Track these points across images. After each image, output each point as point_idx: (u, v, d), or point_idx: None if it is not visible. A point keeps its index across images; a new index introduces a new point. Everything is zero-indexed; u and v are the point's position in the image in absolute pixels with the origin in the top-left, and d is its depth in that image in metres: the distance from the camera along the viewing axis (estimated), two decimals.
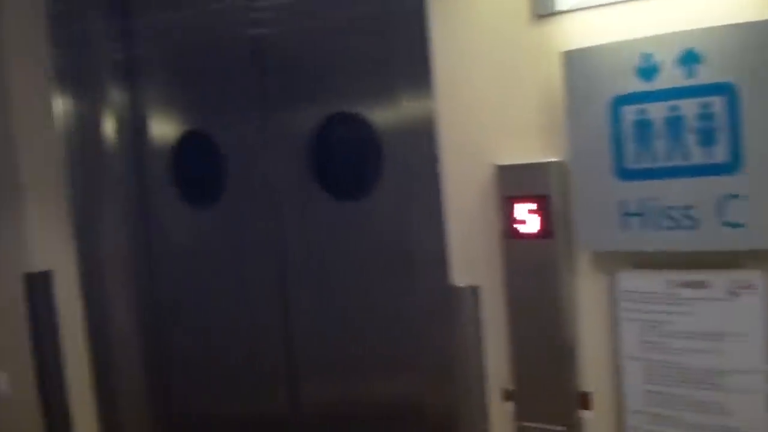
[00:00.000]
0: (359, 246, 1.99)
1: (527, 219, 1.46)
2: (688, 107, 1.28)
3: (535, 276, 1.47)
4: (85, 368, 2.36)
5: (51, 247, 2.32)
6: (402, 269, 1.87)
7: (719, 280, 1.32)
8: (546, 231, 1.44)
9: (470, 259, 1.58)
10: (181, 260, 2.33)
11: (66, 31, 2.29)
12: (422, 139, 1.71)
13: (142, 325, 2.37)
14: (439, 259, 1.69)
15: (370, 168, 1.94)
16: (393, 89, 1.82)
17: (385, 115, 1.89)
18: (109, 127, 2.31)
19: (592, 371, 1.48)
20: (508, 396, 1.56)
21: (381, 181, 1.92)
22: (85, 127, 2.32)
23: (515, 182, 1.47)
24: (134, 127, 2.34)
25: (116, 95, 2.32)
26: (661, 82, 1.30)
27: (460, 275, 1.60)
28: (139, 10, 2.31)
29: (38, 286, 2.29)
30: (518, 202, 1.46)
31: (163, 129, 2.31)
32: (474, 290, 1.57)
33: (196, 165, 2.32)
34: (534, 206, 1.45)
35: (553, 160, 1.44)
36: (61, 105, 2.30)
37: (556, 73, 1.41)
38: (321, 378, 2.12)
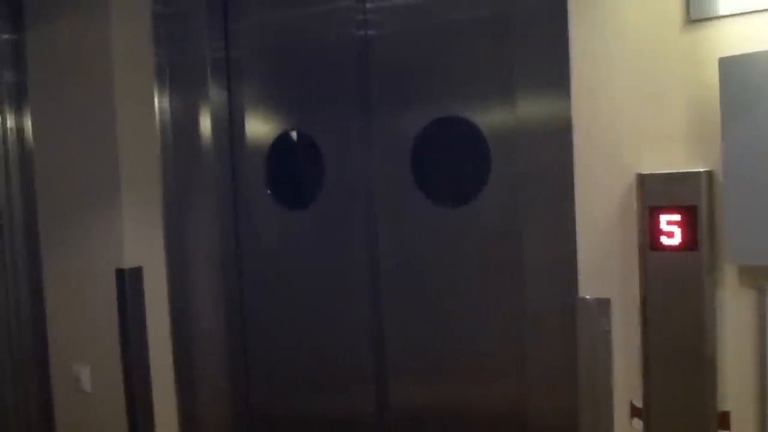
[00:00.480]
0: (459, 253, 1.93)
1: (671, 230, 1.39)
2: None
3: (676, 289, 1.40)
4: (169, 365, 2.33)
5: (142, 243, 2.29)
6: (507, 280, 1.81)
7: None
8: (691, 243, 1.38)
9: (601, 270, 1.52)
10: (272, 261, 2.29)
11: (169, 31, 2.29)
12: (539, 146, 1.66)
13: (228, 324, 2.32)
14: (554, 269, 1.64)
15: (474, 175, 1.88)
16: (509, 94, 1.76)
17: (495, 121, 1.83)
18: (207, 126, 2.27)
19: (733, 390, 1.40)
20: (636, 413, 1.49)
21: (486, 189, 1.86)
22: (184, 126, 2.30)
23: (660, 192, 1.40)
24: (233, 127, 2.31)
25: (216, 95, 2.28)
26: None
27: (588, 287, 1.53)
28: (242, 10, 2.28)
29: (129, 282, 2.26)
30: (663, 212, 1.39)
31: (262, 129, 2.28)
32: (603, 302, 1.50)
33: (293, 165, 2.29)
34: (679, 217, 1.38)
35: (701, 169, 1.37)
36: (161, 104, 2.30)
37: (708, 80, 1.35)
38: (414, 385, 2.06)
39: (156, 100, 2.30)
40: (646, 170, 1.43)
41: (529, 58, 1.68)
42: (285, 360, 2.29)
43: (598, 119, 1.49)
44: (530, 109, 1.69)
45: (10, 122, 2.49)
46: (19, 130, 2.49)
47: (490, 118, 1.85)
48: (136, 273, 2.28)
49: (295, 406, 2.28)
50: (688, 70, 1.38)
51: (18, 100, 2.49)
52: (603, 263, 1.51)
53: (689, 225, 1.37)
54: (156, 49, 2.30)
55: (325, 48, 2.13)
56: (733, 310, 1.38)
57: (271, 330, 2.30)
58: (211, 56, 2.28)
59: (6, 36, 2.49)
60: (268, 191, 2.26)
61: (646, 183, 1.42)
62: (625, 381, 1.51)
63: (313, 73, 2.17)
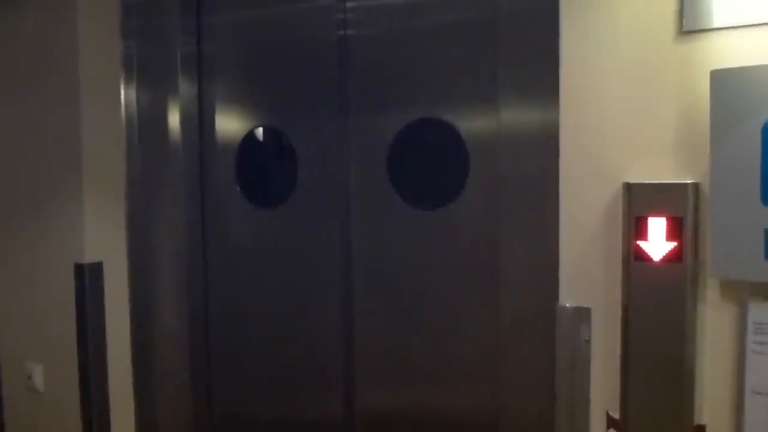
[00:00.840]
0: (434, 256, 1.89)
1: (656, 241, 1.37)
2: None
3: (657, 301, 1.38)
4: (127, 365, 2.23)
5: (103, 238, 2.19)
6: (484, 284, 1.77)
7: None
8: (675, 254, 1.36)
9: (583, 278, 1.49)
10: (241, 260, 2.21)
11: (138, 23, 2.20)
12: (522, 150, 1.63)
13: (191, 323, 2.23)
14: (534, 276, 1.61)
15: (452, 178, 1.84)
16: (492, 97, 1.72)
17: (476, 124, 1.80)
18: (175, 121, 2.18)
19: (710, 404, 1.38)
20: (612, 424, 1.46)
21: (464, 193, 1.82)
22: (151, 120, 2.21)
23: (646, 202, 1.38)
24: (203, 123, 2.23)
25: (186, 90, 2.19)
26: None
27: (569, 295, 1.50)
28: (217, 5, 2.20)
29: (88, 277, 2.16)
30: (648, 222, 1.37)
31: (234, 126, 2.20)
32: (584, 311, 1.48)
33: (265, 163, 2.23)
34: (665, 228, 1.36)
35: (688, 181, 1.35)
36: (127, 97, 2.21)
37: (699, 91, 1.33)
38: (383, 389, 2.01)
39: (122, 93, 2.20)
40: (633, 179, 1.40)
41: (515, 61, 1.64)
42: (250, 361, 2.21)
43: (587, 126, 1.46)
44: (514, 113, 1.66)
45: None
46: None
47: (470, 121, 1.81)
48: (96, 268, 2.18)
49: (260, 409, 2.21)
50: (680, 80, 1.36)
51: None
52: (585, 272, 1.48)
53: (674, 236, 1.35)
54: (124, 41, 2.20)
55: (303, 47, 2.07)
56: (713, 323, 1.37)
57: (237, 330, 2.23)
58: (182, 51, 2.19)
59: None
60: (238, 188, 2.18)
61: (632, 192, 1.40)
62: (603, 391, 1.48)
63: (290, 71, 2.10)
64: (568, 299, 1.50)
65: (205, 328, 2.25)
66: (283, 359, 2.16)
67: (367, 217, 1.99)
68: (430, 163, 1.93)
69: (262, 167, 2.23)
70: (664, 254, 1.36)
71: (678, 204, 1.35)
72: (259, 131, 2.18)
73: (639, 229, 1.38)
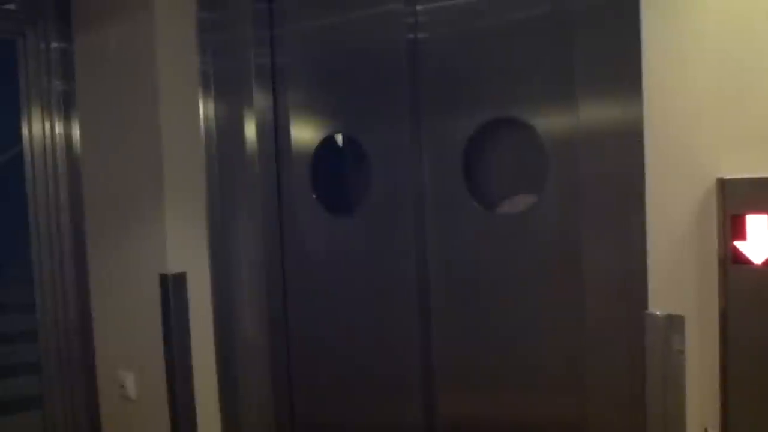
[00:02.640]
0: (512, 262, 1.74)
1: (756, 241, 1.18)
2: None
3: (759, 307, 1.20)
4: (212, 373, 2.18)
5: (186, 249, 2.15)
6: (567, 290, 1.61)
7: None
8: None
9: (675, 284, 1.31)
10: (318, 268, 2.12)
11: (214, 37, 2.15)
12: (605, 149, 1.46)
13: (272, 331, 2.16)
14: (619, 282, 1.44)
15: (530, 179, 1.70)
16: (570, 94, 1.56)
17: (555, 123, 1.64)
18: (251, 132, 2.12)
19: None
20: None
21: (543, 195, 1.67)
22: (229, 132, 2.15)
23: (743, 198, 1.20)
24: (278, 133, 2.15)
25: (261, 101, 2.13)
26: None
27: (659, 302, 1.33)
28: (288, 16, 2.13)
29: (172, 288, 2.12)
30: (747, 221, 1.19)
31: (308, 134, 2.11)
32: (676, 320, 1.30)
33: (339, 170, 2.15)
34: (766, 226, 1.17)
35: None
36: (206, 110, 2.16)
37: None
38: (463, 398, 1.88)
39: (201, 106, 2.15)
40: (728, 174, 1.22)
41: (592, 53, 1.47)
42: (330, 369, 2.12)
43: (674, 119, 1.28)
44: (593, 108, 1.49)
45: (59, 130, 2.39)
46: (68, 138, 2.39)
47: (547, 120, 1.64)
48: (180, 279, 2.14)
49: (340, 416, 2.11)
50: None
51: (66, 107, 2.38)
52: (677, 277, 1.30)
53: None
54: (201, 56, 2.15)
55: (374, 52, 1.96)
56: None
57: (316, 338, 2.14)
58: (256, 62, 2.12)
59: (55, 44, 2.38)
60: (314, 196, 2.09)
61: (727, 188, 1.21)
62: (700, 407, 1.30)
63: (361, 77, 1.99)
64: (658, 306, 1.33)
65: (286, 335, 2.17)
66: (361, 365, 2.05)
67: (442, 221, 1.86)
68: (507, 165, 1.79)
69: (336, 174, 2.15)
70: (767, 256, 1.18)
71: None
72: (333, 138, 2.09)
73: (736, 229, 1.20)
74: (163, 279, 2.12)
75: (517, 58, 1.69)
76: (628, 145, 1.38)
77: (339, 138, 2.09)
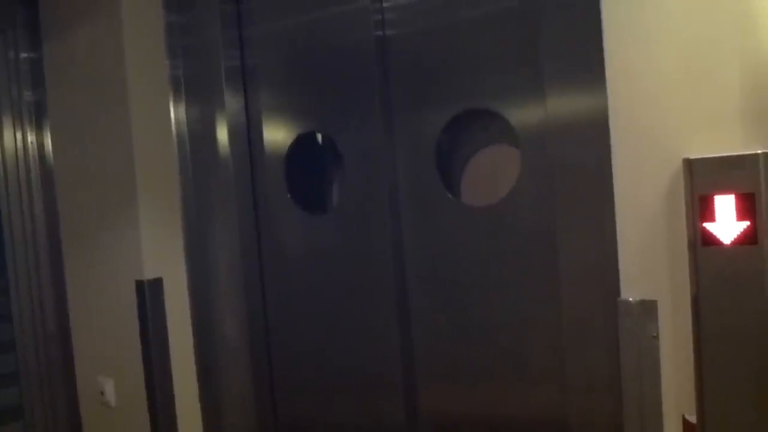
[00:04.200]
0: (489, 253, 1.67)
1: (725, 221, 1.12)
2: None
3: (732, 289, 1.14)
4: (192, 377, 2.10)
5: (162, 254, 2.07)
6: (542, 280, 1.55)
7: None
8: (748, 236, 1.11)
9: (646, 269, 1.25)
10: (296, 267, 2.04)
11: (183, 41, 2.07)
12: (571, 135, 1.40)
13: (252, 333, 2.08)
14: (592, 269, 1.38)
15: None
16: (537, 83, 1.50)
17: (522, 112, 1.58)
18: (224, 134, 2.04)
19: None
20: (689, 428, 1.22)
21: (515, 185, 1.61)
22: (201, 135, 2.08)
23: (711, 178, 1.14)
24: (251, 134, 2.08)
25: (232, 103, 2.05)
26: None
27: (631, 288, 1.27)
28: (256, 17, 2.05)
29: (149, 294, 2.04)
30: (715, 202, 1.13)
31: (281, 135, 2.04)
32: (649, 305, 1.24)
33: (312, 169, 2.08)
34: (734, 206, 1.11)
35: (759, 151, 1.10)
36: (177, 114, 2.08)
37: None
38: (443, 392, 1.82)
39: (172, 110, 2.08)
40: (695, 154, 1.16)
41: (556, 41, 1.41)
42: (311, 370, 2.04)
43: (639, 102, 1.22)
44: (561, 98, 1.43)
45: (31, 138, 2.31)
46: (40, 146, 2.31)
47: (517, 111, 1.59)
48: (156, 284, 2.06)
49: (323, 416, 2.03)
50: (745, 39, 1.11)
51: (38, 116, 2.31)
52: (648, 261, 1.24)
53: (746, 215, 1.11)
54: (170, 59, 2.08)
55: (343, 50, 1.89)
56: None
57: (297, 339, 2.06)
58: (225, 64, 2.05)
59: (24, 54, 2.30)
60: (288, 196, 2.02)
61: (694, 168, 1.15)
62: (677, 393, 1.24)
63: (331, 76, 1.92)
64: (630, 292, 1.27)
65: (266, 338, 2.10)
66: (342, 365, 1.98)
67: (417, 216, 1.80)
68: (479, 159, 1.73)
69: (310, 173, 2.08)
70: (736, 236, 1.12)
71: (748, 178, 1.10)
72: (306, 138, 2.02)
73: (705, 210, 1.14)
74: (139, 285, 2.05)
75: (484, 50, 1.63)
76: (594, 131, 1.31)
77: (305, 139, 2.02)
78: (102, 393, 2.17)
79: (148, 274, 2.04)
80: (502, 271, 1.65)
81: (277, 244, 2.07)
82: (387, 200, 1.83)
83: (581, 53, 1.34)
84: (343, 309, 1.96)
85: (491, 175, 1.77)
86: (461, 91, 1.69)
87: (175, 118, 2.08)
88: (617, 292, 1.29)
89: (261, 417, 2.09)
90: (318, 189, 2.13)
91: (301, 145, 2.02)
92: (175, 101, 2.08)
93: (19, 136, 2.30)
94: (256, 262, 2.09)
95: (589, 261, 1.38)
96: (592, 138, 1.32)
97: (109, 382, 2.16)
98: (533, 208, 1.57)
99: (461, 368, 1.76)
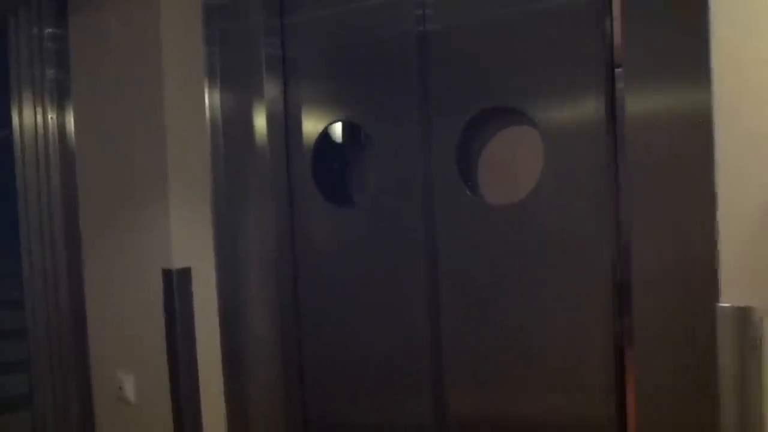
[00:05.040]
0: (516, 253, 1.61)
1: None
2: None
3: None
4: (218, 374, 1.97)
5: (191, 243, 1.94)
6: (581, 280, 1.52)
7: None
8: None
9: (748, 274, 1.17)
10: (327, 261, 1.93)
11: (220, 24, 1.95)
12: (655, 132, 1.33)
13: (282, 329, 1.96)
14: (680, 271, 1.30)
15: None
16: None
17: (547, 113, 1.54)
18: (261, 122, 1.93)
19: None
20: None
21: (539, 184, 1.56)
22: (235, 122, 1.96)
23: None
24: (287, 124, 1.96)
25: (270, 91, 1.93)
26: None
27: (731, 293, 1.18)
28: (297, 6, 1.94)
29: (177, 284, 1.91)
30: None
31: (316, 125, 1.93)
32: (749, 311, 1.16)
33: (347, 161, 1.98)
34: None
35: None
36: (211, 100, 1.95)
37: None
38: (474, 394, 1.74)
39: (206, 97, 1.95)
40: None
41: (645, 33, 1.33)
42: (340, 365, 1.93)
43: (747, 94, 1.14)
44: (646, 90, 1.33)
45: (52, 116, 2.15)
46: (61, 126, 2.15)
47: (540, 111, 1.55)
48: (185, 274, 1.92)
49: (352, 416, 1.92)
50: None
51: (60, 95, 2.15)
52: (751, 266, 1.16)
53: None
54: (207, 44, 1.95)
55: (382, 43, 1.80)
56: None
57: (328, 337, 1.95)
58: (266, 52, 1.93)
59: (49, 30, 2.15)
60: (316, 188, 1.92)
61: None
62: None
63: (370, 69, 1.83)
64: (731, 298, 1.18)
65: (297, 334, 1.98)
66: (371, 362, 1.88)
67: (450, 212, 1.72)
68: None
69: (344, 165, 1.98)
70: None
71: None
72: (340, 129, 1.95)
73: None
74: (167, 275, 1.91)
75: (525, 47, 1.58)
76: (694, 126, 1.23)
77: (340, 130, 1.94)
78: (120, 388, 2.02)
79: (177, 263, 1.90)
80: (535, 271, 1.59)
81: (309, 237, 1.96)
82: (420, 196, 1.75)
83: (679, 42, 1.25)
84: (373, 306, 1.86)
85: (508, 160, 1.74)
86: (488, 90, 1.64)
87: (210, 105, 1.96)
88: (714, 297, 1.20)
89: (290, 417, 1.97)
90: (353, 183, 2.02)
91: (337, 136, 1.95)
92: (210, 87, 1.96)
93: (39, 114, 2.14)
94: (290, 254, 1.97)
95: (677, 264, 1.29)
96: (690, 134, 1.24)
97: (129, 377, 2.01)
98: (564, 208, 1.53)
99: (493, 369, 1.68)
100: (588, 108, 1.48)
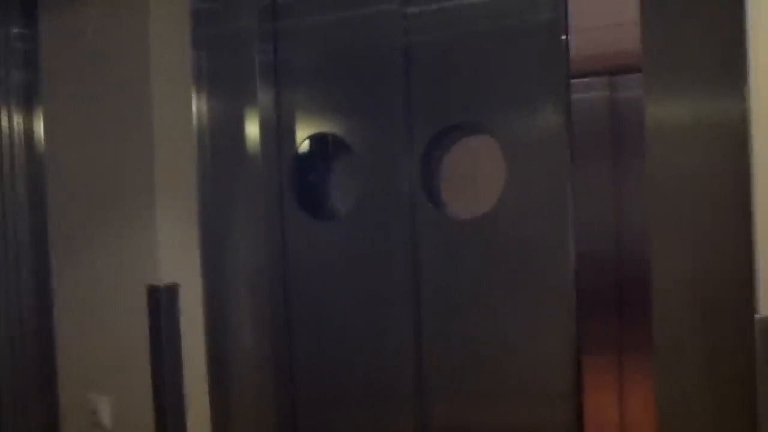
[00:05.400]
0: (491, 267, 1.63)
1: None
2: None
3: None
4: (204, 393, 1.85)
5: (178, 257, 1.83)
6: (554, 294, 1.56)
7: None
8: None
9: None
10: (314, 276, 1.87)
11: (210, 28, 1.87)
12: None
13: (273, 350, 1.87)
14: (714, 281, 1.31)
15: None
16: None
17: (509, 127, 1.60)
18: (249, 132, 1.86)
19: None
20: None
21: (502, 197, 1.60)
22: (225, 131, 1.87)
23: None
24: (277, 133, 1.89)
25: (264, 98, 1.87)
26: None
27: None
28: (290, 11, 1.89)
29: (164, 301, 1.79)
30: None
31: (303, 135, 1.89)
32: None
33: (327, 173, 1.94)
34: None
35: None
36: (199, 107, 1.87)
37: None
38: (456, 407, 1.71)
39: (195, 102, 1.86)
40: None
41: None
42: (331, 385, 1.86)
43: None
44: (667, 99, 1.35)
45: (18, 124, 1.99)
46: (28, 131, 1.99)
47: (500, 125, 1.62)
48: (172, 290, 1.81)
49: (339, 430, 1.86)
50: None
51: (27, 98, 2.00)
52: None
53: None
54: (196, 48, 1.86)
55: (367, 53, 1.78)
56: None
57: (317, 354, 1.87)
58: (259, 58, 1.86)
59: (16, 30, 2.00)
60: (294, 201, 1.87)
61: None
62: None
63: (356, 78, 1.81)
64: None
65: (287, 350, 1.89)
66: (358, 377, 1.82)
67: (422, 227, 1.72)
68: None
69: (326, 177, 1.95)
70: None
71: None
72: (318, 140, 1.90)
73: None
74: (153, 291, 1.79)
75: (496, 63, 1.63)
76: (722, 140, 1.25)
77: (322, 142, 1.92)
78: (94, 412, 1.87)
79: (164, 279, 1.79)
80: (497, 280, 1.62)
81: (298, 251, 1.88)
82: (397, 208, 1.73)
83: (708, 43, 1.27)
84: (357, 322, 1.81)
85: (474, 173, 1.78)
86: (458, 105, 1.67)
87: (198, 112, 1.87)
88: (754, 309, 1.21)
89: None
90: (337, 194, 1.96)
91: (314, 147, 1.91)
92: (199, 93, 1.87)
93: (4, 118, 1.98)
94: (281, 269, 1.88)
95: (704, 273, 1.30)
96: (719, 143, 1.26)
97: (105, 399, 1.86)
98: (520, 218, 1.58)
99: (473, 382, 1.67)
100: (548, 119, 1.54)
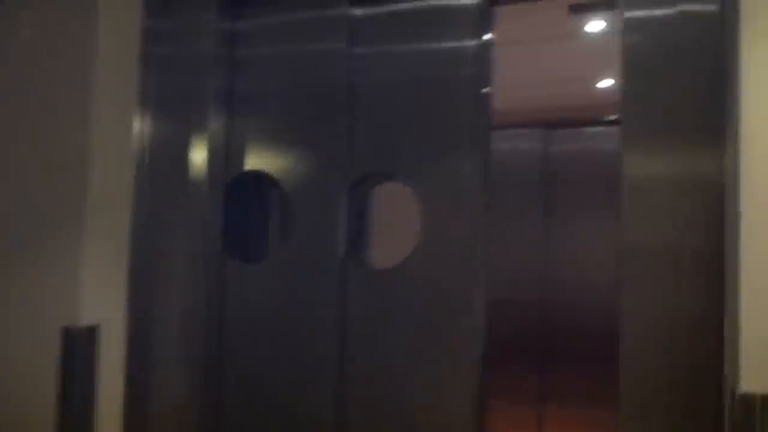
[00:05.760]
0: (406, 313, 1.61)
1: None
2: None
3: None
4: None
5: (101, 296, 1.62)
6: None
7: None
8: None
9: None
10: (241, 318, 1.75)
11: (161, 49, 1.73)
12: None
13: (197, 392, 1.68)
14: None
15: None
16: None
17: (422, 176, 1.60)
18: (200, 159, 1.71)
19: None
20: None
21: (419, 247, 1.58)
22: (164, 158, 1.72)
23: None
24: (221, 162, 1.77)
25: (214, 126, 1.73)
26: None
27: (753, 380, 1.11)
28: (250, 40, 1.81)
29: (79, 345, 1.57)
30: None
31: (236, 169, 1.79)
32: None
33: (256, 215, 1.89)
34: None
35: None
36: (141, 131, 1.71)
37: None
38: None
39: (137, 126, 1.70)
40: None
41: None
42: (257, 426, 1.72)
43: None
44: (644, 156, 1.31)
45: None
46: None
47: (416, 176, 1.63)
48: (90, 333, 1.59)
49: None
50: None
51: None
52: None
53: None
54: (144, 68, 1.71)
55: (315, 90, 1.72)
56: None
57: (239, 395, 1.73)
58: (214, 84, 1.74)
59: None
60: (220, 245, 1.76)
61: None
62: None
63: (302, 115, 1.74)
64: (752, 385, 1.11)
65: (215, 397, 1.70)
66: (283, 416, 1.70)
67: (352, 273, 1.67)
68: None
69: (252, 219, 1.88)
70: None
71: None
72: (250, 178, 1.81)
73: None
74: (68, 334, 1.56)
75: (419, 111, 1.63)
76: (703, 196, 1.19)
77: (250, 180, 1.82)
78: None
79: (84, 320, 1.57)
80: (409, 328, 1.60)
81: (231, 292, 1.75)
82: (332, 254, 1.66)
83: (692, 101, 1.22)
84: (284, 370, 1.70)
85: (394, 222, 1.79)
86: (373, 152, 1.67)
87: (140, 136, 1.70)
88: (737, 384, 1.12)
89: None
90: (269, 235, 1.89)
91: (246, 185, 1.84)
92: (143, 117, 1.71)
93: None
94: (213, 309, 1.72)
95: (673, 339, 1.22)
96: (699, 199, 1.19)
97: None
98: (434, 268, 1.57)
99: (390, 422, 1.62)
100: (465, 169, 1.54)
